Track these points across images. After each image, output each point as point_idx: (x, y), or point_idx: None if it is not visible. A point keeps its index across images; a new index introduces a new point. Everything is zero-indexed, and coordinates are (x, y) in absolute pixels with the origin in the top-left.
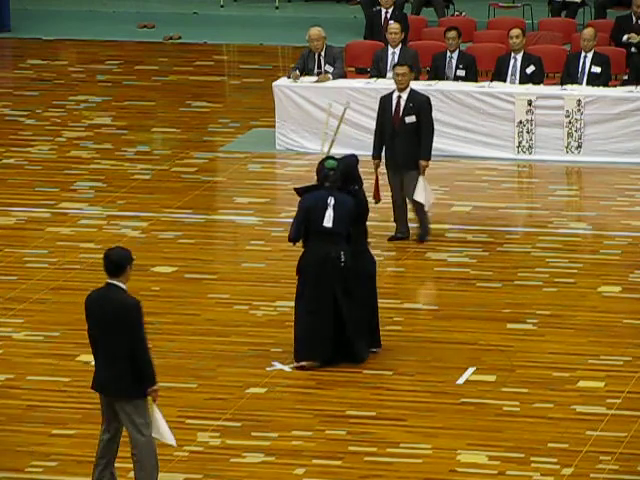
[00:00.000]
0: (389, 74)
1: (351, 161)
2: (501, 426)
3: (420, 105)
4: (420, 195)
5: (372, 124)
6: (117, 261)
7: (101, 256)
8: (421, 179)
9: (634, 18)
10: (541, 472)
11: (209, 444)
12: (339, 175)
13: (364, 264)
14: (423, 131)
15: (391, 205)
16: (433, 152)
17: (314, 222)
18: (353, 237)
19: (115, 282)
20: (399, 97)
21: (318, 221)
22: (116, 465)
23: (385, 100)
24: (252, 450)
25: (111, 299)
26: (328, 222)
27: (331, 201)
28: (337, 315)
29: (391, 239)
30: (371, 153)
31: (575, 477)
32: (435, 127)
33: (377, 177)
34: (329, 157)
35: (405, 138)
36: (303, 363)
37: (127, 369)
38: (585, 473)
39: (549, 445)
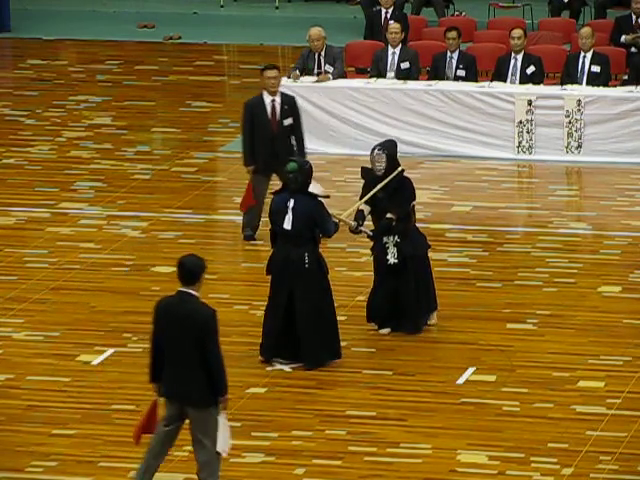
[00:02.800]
0: (389, 74)
1: (395, 144)
2: (501, 426)
3: (292, 106)
4: None
5: (372, 124)
6: (192, 269)
7: (101, 256)
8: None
9: (634, 17)
10: (541, 472)
11: None
12: (301, 177)
13: (417, 245)
14: (297, 132)
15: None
16: (433, 152)
17: (278, 225)
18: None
19: (189, 290)
20: (273, 101)
21: (280, 223)
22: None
23: (254, 106)
24: (252, 450)
25: (186, 308)
26: (287, 224)
27: (290, 203)
28: (292, 316)
29: (251, 238)
30: (245, 161)
31: (575, 477)
32: (435, 127)
33: (252, 185)
34: (291, 160)
35: (284, 141)
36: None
37: (201, 378)
38: (585, 473)
39: (549, 445)
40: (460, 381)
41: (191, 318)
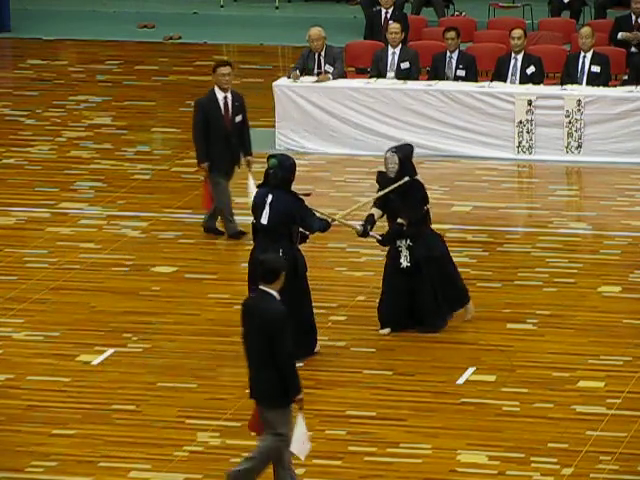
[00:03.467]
0: (389, 74)
1: (410, 149)
2: (501, 426)
3: (242, 103)
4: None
5: (372, 124)
6: (273, 268)
7: (101, 256)
8: (250, 176)
9: (633, 17)
10: (541, 472)
11: (209, 444)
12: (281, 174)
13: (432, 247)
14: (246, 128)
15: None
16: (433, 152)
17: (256, 219)
18: (416, 222)
19: (267, 289)
20: (225, 97)
21: (258, 218)
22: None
23: (207, 103)
24: (252, 450)
25: (261, 306)
26: (264, 219)
27: (269, 198)
28: None
29: (235, 235)
30: (200, 159)
31: (575, 477)
32: (435, 127)
33: (207, 182)
34: (272, 156)
35: (237, 137)
36: None
37: (271, 377)
38: (585, 473)
39: (549, 445)
40: (460, 381)
41: (262, 317)
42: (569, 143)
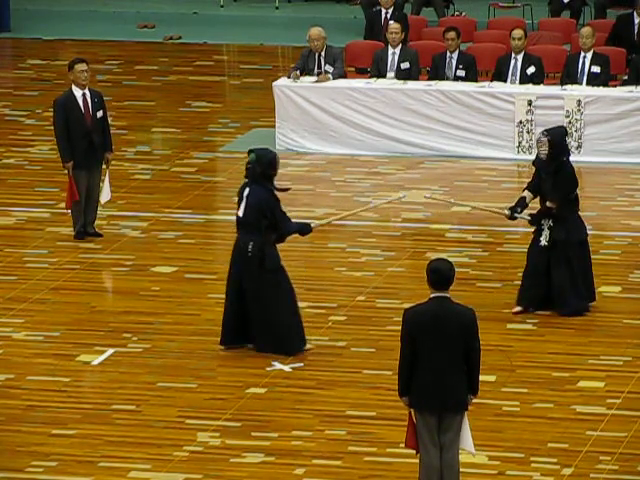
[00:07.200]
0: (389, 74)
1: (561, 132)
2: (501, 426)
3: (100, 99)
4: (106, 193)
5: (372, 124)
6: (450, 275)
7: (101, 256)
8: (107, 176)
9: (637, 18)
10: (541, 472)
11: (209, 444)
12: (259, 168)
13: (572, 232)
14: (107, 124)
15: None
16: (433, 152)
17: (237, 211)
18: (561, 206)
19: (446, 294)
20: (84, 94)
21: (237, 210)
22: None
23: (66, 102)
24: (252, 450)
25: (452, 312)
26: (241, 212)
27: (246, 192)
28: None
29: (81, 236)
30: (65, 158)
31: (575, 477)
32: (435, 127)
33: (73, 180)
34: (251, 150)
35: (99, 134)
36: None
37: (461, 380)
38: (585, 473)
39: (549, 445)
40: None
41: (459, 321)
42: (569, 143)
